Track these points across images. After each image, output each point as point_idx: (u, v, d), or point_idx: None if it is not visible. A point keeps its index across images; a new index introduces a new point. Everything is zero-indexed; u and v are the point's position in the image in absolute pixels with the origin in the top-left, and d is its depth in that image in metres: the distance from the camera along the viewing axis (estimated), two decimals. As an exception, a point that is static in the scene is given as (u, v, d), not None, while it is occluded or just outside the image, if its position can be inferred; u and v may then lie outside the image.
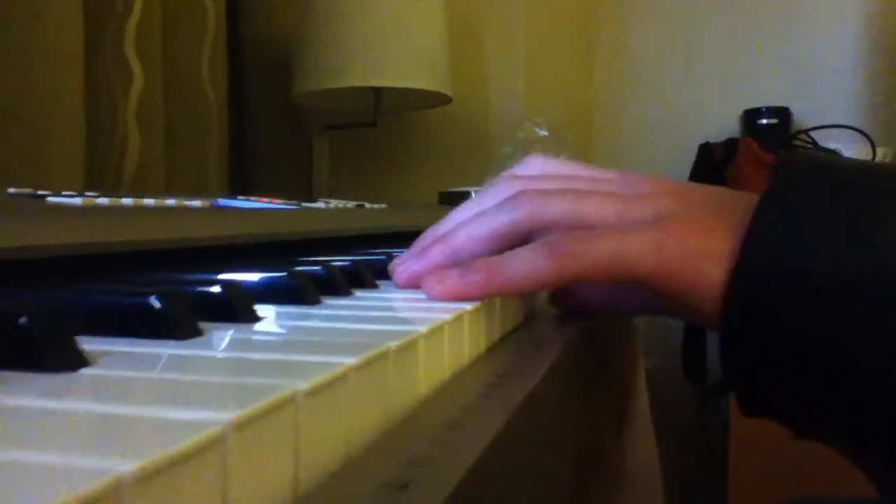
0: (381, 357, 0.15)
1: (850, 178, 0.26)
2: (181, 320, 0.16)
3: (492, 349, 0.24)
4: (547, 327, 0.30)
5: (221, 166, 1.21)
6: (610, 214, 0.29)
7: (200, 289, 0.19)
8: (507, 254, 0.28)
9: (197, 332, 0.17)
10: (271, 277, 0.22)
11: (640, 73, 1.46)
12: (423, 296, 0.25)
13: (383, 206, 0.68)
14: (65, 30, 0.89)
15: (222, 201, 0.52)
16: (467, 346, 0.21)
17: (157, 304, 0.16)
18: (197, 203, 0.42)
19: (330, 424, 0.13)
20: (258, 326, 0.18)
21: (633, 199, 0.29)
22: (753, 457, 1.14)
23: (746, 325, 0.25)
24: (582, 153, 1.40)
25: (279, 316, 0.20)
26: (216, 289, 0.18)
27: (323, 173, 1.33)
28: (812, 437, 0.28)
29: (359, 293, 0.25)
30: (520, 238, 0.30)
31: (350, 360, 0.14)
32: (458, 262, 0.29)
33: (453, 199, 1.14)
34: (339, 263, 0.27)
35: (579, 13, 1.46)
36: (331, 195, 1.31)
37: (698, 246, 0.27)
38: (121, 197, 0.37)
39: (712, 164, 1.24)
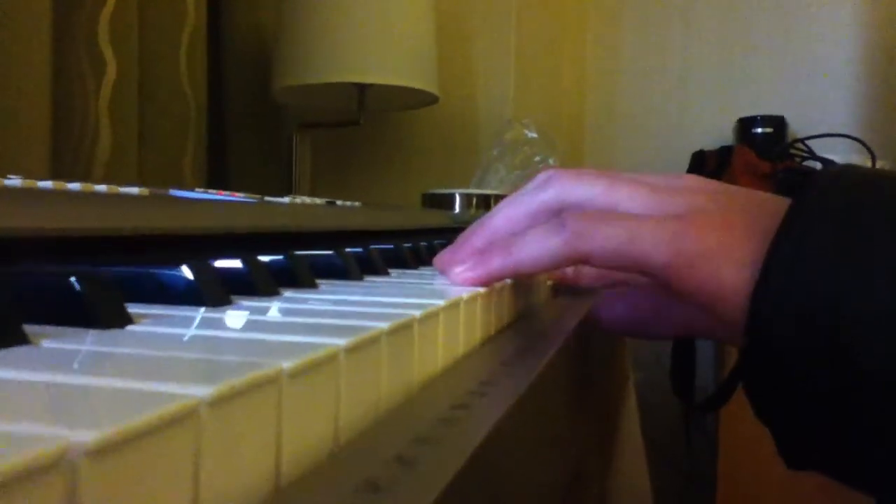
0: (272, 381, 0.10)
1: (883, 194, 0.24)
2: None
3: (468, 356, 0.20)
4: (532, 335, 0.26)
5: (198, 162, 1.16)
6: (638, 204, 0.28)
7: (53, 282, 0.14)
8: (522, 233, 0.28)
9: (21, 340, 0.12)
10: (165, 272, 0.17)
11: (633, 78, 1.43)
12: (366, 298, 0.20)
13: (357, 204, 0.63)
14: (31, 17, 0.84)
15: (172, 192, 0.47)
16: (416, 366, 0.17)
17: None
18: (134, 191, 0.37)
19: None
20: (121, 335, 0.13)
21: (665, 193, 0.28)
22: (741, 476, 1.10)
23: (769, 347, 0.23)
24: (572, 158, 1.36)
25: (161, 321, 0.15)
26: (73, 283, 0.14)
27: (304, 172, 1.28)
28: (836, 476, 0.24)
29: (288, 293, 0.20)
30: (554, 217, 0.30)
31: (204, 392, 0.09)
32: (493, 244, 0.30)
33: (438, 202, 1.09)
34: (269, 259, 0.22)
35: (571, 16, 1.42)
36: (312, 194, 1.26)
37: (718, 243, 0.25)
38: (38, 180, 0.32)
39: (705, 173, 1.20)
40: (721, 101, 1.39)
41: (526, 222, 0.30)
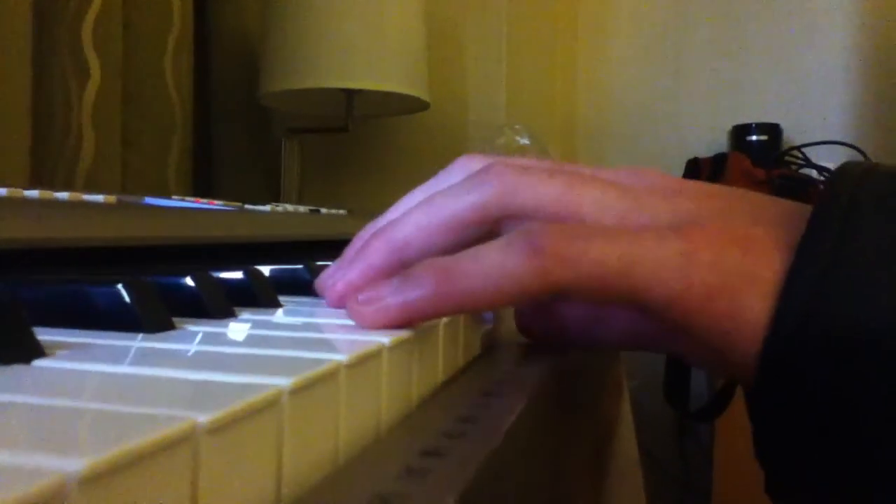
0: (179, 442, 0.08)
1: None
2: None
3: (424, 405, 0.17)
4: (508, 365, 0.22)
5: (183, 169, 1.14)
6: (613, 211, 0.21)
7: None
8: (467, 252, 0.20)
9: None
10: (99, 291, 0.15)
11: (626, 85, 1.41)
12: (331, 321, 0.18)
13: (342, 212, 0.61)
14: (10, 21, 0.82)
15: (144, 200, 0.44)
16: (384, 404, 0.14)
17: None
18: (99, 198, 0.35)
19: None
20: (19, 374, 0.11)
21: (643, 195, 0.22)
22: (736, 487, 1.08)
23: (786, 393, 0.18)
24: (564, 165, 1.34)
25: (80, 353, 0.13)
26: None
27: (292, 178, 1.26)
28: None
29: (246, 314, 0.18)
30: (488, 229, 0.22)
31: (76, 466, 0.07)
32: (405, 265, 0.21)
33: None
34: (229, 276, 0.19)
35: (563, 22, 1.40)
36: (300, 200, 1.24)
37: (737, 266, 0.19)
38: (-10, 186, 0.30)
39: (700, 180, 1.19)
40: (715, 108, 1.38)
41: (450, 236, 0.22)
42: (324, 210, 0.60)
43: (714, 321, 0.19)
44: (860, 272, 0.18)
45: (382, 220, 0.24)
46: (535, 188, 0.21)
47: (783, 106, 1.34)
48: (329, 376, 0.12)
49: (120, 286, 0.15)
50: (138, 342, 0.14)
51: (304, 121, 1.27)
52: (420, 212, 0.22)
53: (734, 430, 1.08)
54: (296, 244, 0.48)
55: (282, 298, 0.21)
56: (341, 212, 0.62)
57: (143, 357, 0.13)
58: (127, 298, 0.15)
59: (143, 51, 1.07)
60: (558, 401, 0.26)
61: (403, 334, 0.15)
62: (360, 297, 0.18)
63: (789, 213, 0.21)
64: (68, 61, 0.94)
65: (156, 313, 0.15)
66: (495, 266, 0.19)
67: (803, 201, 0.22)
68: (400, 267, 0.22)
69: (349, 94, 1.10)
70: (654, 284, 0.19)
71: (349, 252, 0.24)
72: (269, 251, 0.45)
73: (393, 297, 0.18)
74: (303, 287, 0.24)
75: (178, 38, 1.10)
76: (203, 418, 0.09)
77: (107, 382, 0.11)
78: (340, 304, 0.21)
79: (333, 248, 0.52)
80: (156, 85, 1.09)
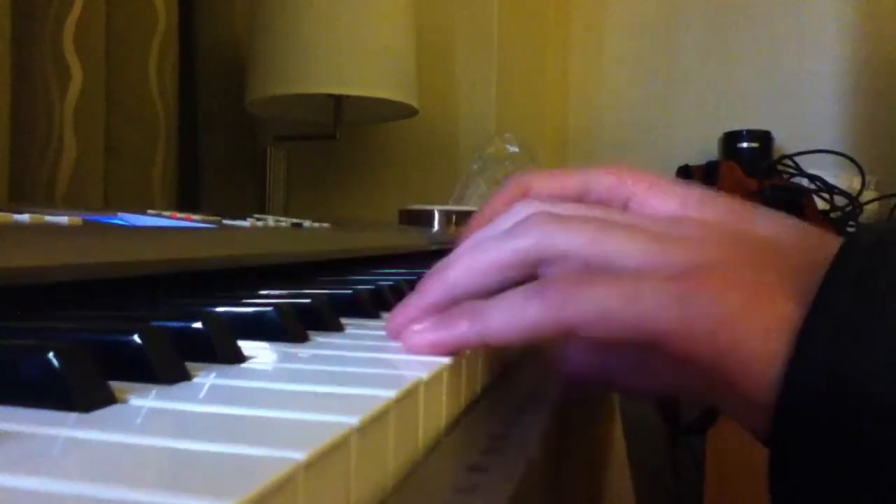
0: None
1: None
2: None
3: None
4: (521, 395, 0.24)
5: (168, 175, 1.11)
6: (636, 255, 0.23)
7: None
8: (495, 297, 0.24)
9: None
10: (27, 357, 0.13)
11: (617, 93, 1.40)
12: (293, 386, 0.16)
13: (325, 225, 0.59)
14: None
15: (118, 218, 0.42)
16: (353, 483, 0.12)
17: None
18: (63, 220, 0.33)
19: None
20: None
21: (671, 243, 0.24)
22: (728, 498, 1.07)
23: (804, 448, 0.19)
24: (555, 173, 1.33)
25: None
26: None
27: (278, 187, 1.24)
28: None
29: (199, 377, 0.16)
30: (528, 271, 0.25)
31: None
32: (455, 301, 0.25)
33: (416, 218, 1.05)
34: (184, 325, 0.17)
35: (554, 29, 1.39)
36: (286, 209, 1.21)
37: (741, 307, 0.20)
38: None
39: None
40: (706, 115, 1.37)
41: (494, 276, 0.25)
42: (307, 223, 0.58)
43: (718, 355, 0.20)
44: (882, 328, 0.18)
45: (444, 263, 0.27)
46: (569, 237, 0.24)
47: (774, 113, 1.33)
48: (284, 482, 0.10)
49: (51, 353, 0.13)
50: (66, 428, 0.12)
51: (291, 128, 1.25)
52: (469, 255, 0.26)
53: (725, 441, 1.07)
54: (278, 261, 0.46)
55: (247, 344, 0.19)
56: (325, 225, 0.60)
57: (69, 453, 0.11)
58: (57, 365, 0.13)
59: (127, 55, 1.05)
60: (561, 427, 0.25)
61: (377, 410, 0.14)
62: (414, 327, 0.23)
63: (813, 264, 0.21)
64: (49, 65, 0.92)
65: (88, 387, 0.13)
66: (515, 309, 0.22)
67: (796, 210, 0.23)
68: (451, 302, 0.25)
69: (338, 100, 1.08)
70: (654, 317, 0.21)
71: (416, 288, 0.27)
72: (249, 272, 0.43)
73: (432, 332, 0.23)
74: (272, 331, 0.22)
75: (162, 42, 1.08)
76: None
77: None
78: (398, 335, 0.24)
79: (319, 268, 0.50)
80: (139, 90, 1.06)
